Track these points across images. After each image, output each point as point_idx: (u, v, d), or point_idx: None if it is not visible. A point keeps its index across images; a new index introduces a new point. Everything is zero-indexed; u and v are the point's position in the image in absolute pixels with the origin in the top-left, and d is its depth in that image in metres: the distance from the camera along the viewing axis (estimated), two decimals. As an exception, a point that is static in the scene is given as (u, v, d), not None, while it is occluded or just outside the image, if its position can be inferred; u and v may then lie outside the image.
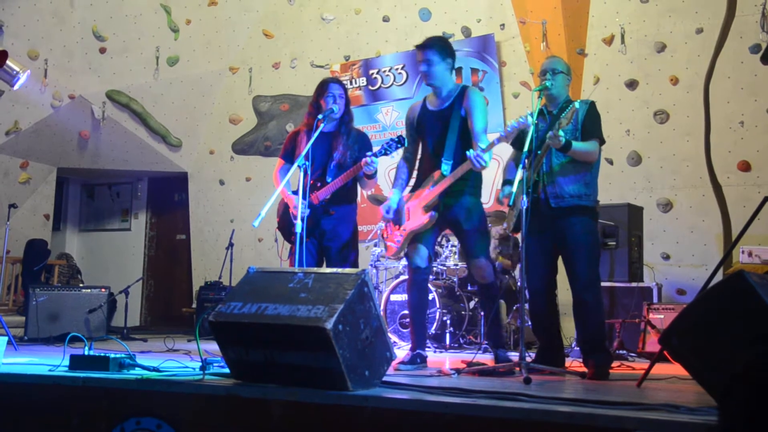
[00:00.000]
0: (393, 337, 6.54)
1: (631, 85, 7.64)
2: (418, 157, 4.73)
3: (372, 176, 4.60)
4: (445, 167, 4.37)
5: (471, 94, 4.53)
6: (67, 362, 3.55)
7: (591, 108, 4.31)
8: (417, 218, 4.48)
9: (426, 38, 4.73)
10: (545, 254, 4.30)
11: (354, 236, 4.81)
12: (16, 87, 6.43)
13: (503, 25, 8.35)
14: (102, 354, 3.52)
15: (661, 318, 5.58)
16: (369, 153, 4.46)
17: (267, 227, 9.17)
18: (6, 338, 3.87)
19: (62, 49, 8.99)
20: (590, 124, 4.25)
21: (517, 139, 4.58)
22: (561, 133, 4.08)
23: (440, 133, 4.47)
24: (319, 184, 4.64)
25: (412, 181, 4.71)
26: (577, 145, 4.13)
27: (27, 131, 9.07)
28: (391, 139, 4.45)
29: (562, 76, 4.38)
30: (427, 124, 4.58)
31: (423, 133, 4.60)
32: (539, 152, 4.26)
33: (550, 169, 4.26)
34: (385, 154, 4.45)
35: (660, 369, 3.80)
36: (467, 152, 4.19)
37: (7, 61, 6.22)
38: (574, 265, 4.18)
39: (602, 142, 4.31)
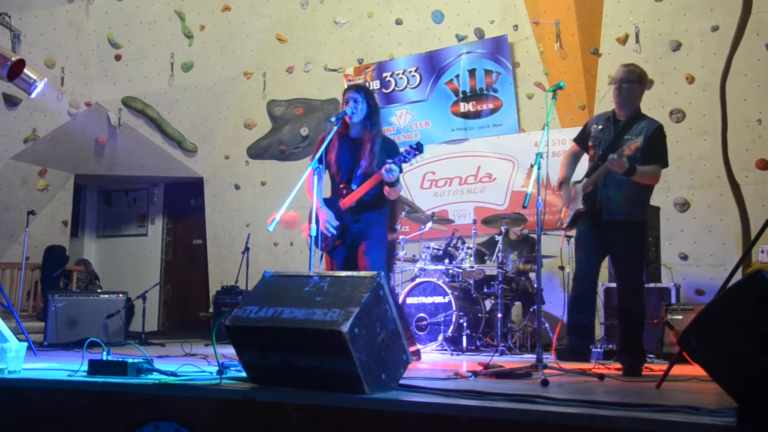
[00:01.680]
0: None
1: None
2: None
3: (393, 184, 4.56)
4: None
5: None
6: (85, 367, 3.57)
7: (657, 131, 4.41)
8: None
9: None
10: (596, 246, 4.52)
11: (383, 236, 4.76)
12: (33, 95, 6.48)
13: (516, 26, 8.33)
14: (120, 359, 3.54)
15: (680, 319, 5.53)
16: (389, 161, 4.44)
17: (282, 231, 9.21)
18: (26, 344, 3.90)
19: (78, 56, 9.07)
20: (656, 149, 4.38)
21: (579, 136, 4.70)
22: (625, 159, 4.20)
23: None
24: (345, 191, 4.65)
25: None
26: (641, 170, 4.28)
27: (45, 139, 9.15)
28: (410, 147, 4.47)
29: (633, 86, 4.48)
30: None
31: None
32: (600, 162, 4.40)
33: (606, 182, 4.41)
34: (405, 161, 4.46)
35: (679, 370, 3.78)
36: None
37: (25, 70, 6.26)
38: (622, 275, 4.46)
39: (665, 166, 4.44)
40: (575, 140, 4.79)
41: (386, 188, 4.62)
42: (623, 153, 4.20)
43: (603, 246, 4.52)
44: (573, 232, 4.90)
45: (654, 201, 7.01)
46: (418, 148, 4.47)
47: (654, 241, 6.43)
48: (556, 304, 7.27)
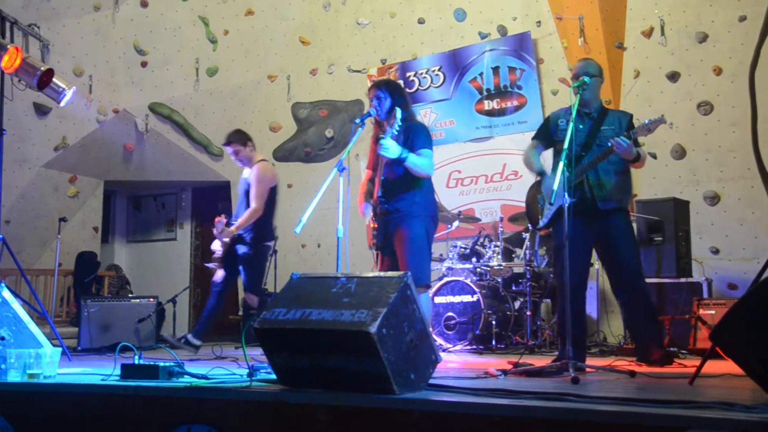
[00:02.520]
0: (438, 340, 6.52)
1: (673, 77, 7.51)
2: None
3: (399, 160, 4.35)
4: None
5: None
6: (118, 371, 3.62)
7: (632, 120, 4.53)
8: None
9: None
10: (584, 253, 4.44)
11: (413, 237, 4.48)
12: (62, 103, 6.59)
13: (539, 22, 8.28)
14: (152, 363, 3.58)
15: (712, 314, 5.47)
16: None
17: (310, 233, 9.24)
18: (60, 349, 3.96)
19: (105, 64, 9.18)
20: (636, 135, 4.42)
21: (542, 133, 4.66)
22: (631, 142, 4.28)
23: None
24: (377, 186, 4.59)
25: None
26: (643, 153, 4.43)
27: (74, 146, 9.27)
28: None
29: (596, 80, 4.55)
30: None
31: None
32: (582, 153, 4.32)
33: (596, 172, 4.40)
34: (393, 133, 4.33)
35: (712, 366, 3.72)
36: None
37: (54, 79, 6.37)
38: (624, 257, 4.43)
39: None
40: (536, 137, 4.80)
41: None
42: (637, 134, 4.34)
43: (593, 241, 4.51)
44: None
45: (683, 195, 6.96)
46: (393, 115, 4.39)
47: (684, 236, 6.35)
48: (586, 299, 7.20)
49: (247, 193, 6.23)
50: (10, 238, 6.36)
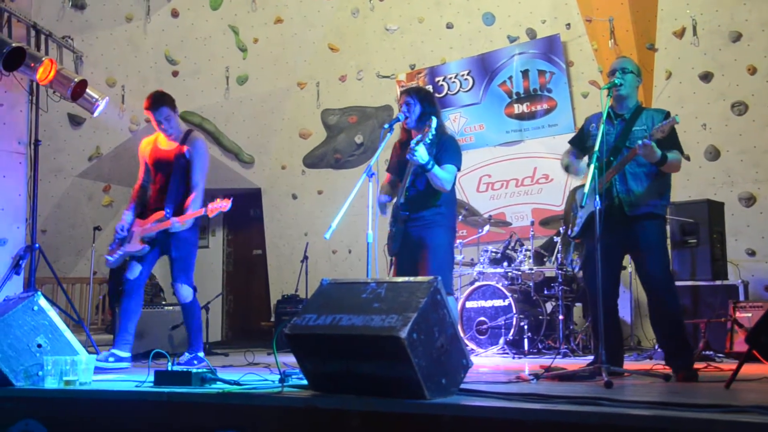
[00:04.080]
0: (470, 345, 6.49)
1: (706, 77, 7.41)
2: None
3: (425, 167, 4.33)
4: (168, 211, 5.21)
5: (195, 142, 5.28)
6: (152, 378, 3.66)
7: (668, 116, 4.18)
8: (134, 245, 5.36)
9: None
10: (614, 257, 4.26)
11: (437, 245, 4.51)
12: (96, 114, 6.71)
13: (569, 24, 8.23)
14: (185, 369, 3.61)
15: (749, 316, 5.39)
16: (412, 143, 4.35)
17: (340, 239, 9.27)
18: (95, 356, 4.02)
19: (137, 74, 9.31)
20: (674, 136, 4.17)
21: (576, 138, 4.56)
22: (654, 144, 3.98)
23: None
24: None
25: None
26: (671, 157, 4.08)
27: (108, 156, 9.41)
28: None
29: (632, 77, 4.29)
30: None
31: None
32: (611, 158, 4.17)
33: (623, 177, 4.21)
34: (422, 140, 4.31)
35: (749, 369, 3.67)
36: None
37: (87, 90, 6.49)
38: (650, 267, 4.17)
39: (682, 152, 4.24)
40: (571, 141, 4.63)
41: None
42: (653, 136, 3.98)
43: (624, 249, 4.33)
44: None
45: (717, 196, 6.86)
46: (428, 124, 4.36)
47: (719, 238, 6.26)
48: (620, 303, 7.13)
49: (182, 170, 5.32)
50: (46, 247, 6.48)
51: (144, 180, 5.61)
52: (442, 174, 4.42)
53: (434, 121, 4.35)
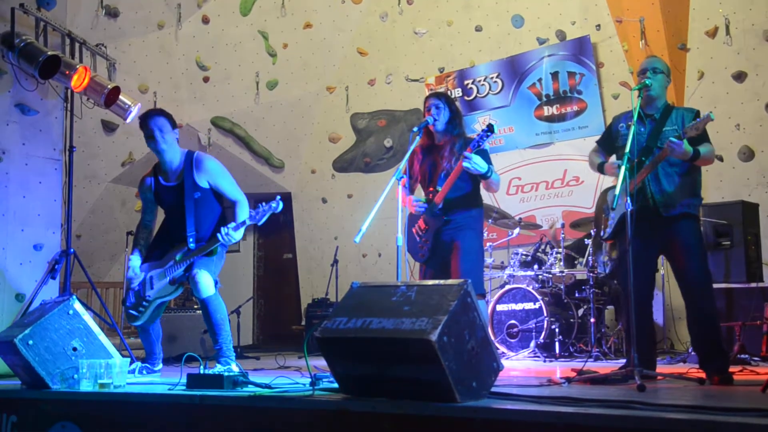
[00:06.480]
0: (501, 348, 6.46)
1: (739, 77, 7.30)
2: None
3: (485, 177, 4.47)
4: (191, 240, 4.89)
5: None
6: (184, 381, 3.70)
7: (698, 115, 4.17)
8: (164, 287, 4.96)
9: None
10: (649, 259, 4.23)
11: (475, 245, 4.60)
12: (128, 120, 6.80)
13: (599, 25, 8.16)
14: (217, 372, 3.65)
15: (786, 319, 5.29)
16: (464, 152, 4.41)
17: (370, 242, 9.29)
18: (129, 359, 4.08)
19: (169, 80, 9.41)
20: (704, 132, 4.11)
21: (603, 139, 4.52)
22: (686, 142, 3.94)
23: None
24: (432, 195, 4.64)
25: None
26: (703, 151, 4.04)
27: (140, 161, 9.52)
28: (483, 131, 4.44)
29: (662, 77, 4.26)
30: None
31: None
32: (643, 159, 4.13)
33: (656, 177, 4.16)
34: (479, 145, 4.39)
35: (786, 373, 3.61)
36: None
37: (120, 96, 6.59)
38: (688, 269, 4.10)
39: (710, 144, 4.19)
40: (599, 142, 4.58)
41: (483, 183, 4.62)
42: (687, 134, 3.95)
43: (659, 251, 4.29)
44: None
45: (751, 197, 6.75)
46: (490, 129, 4.41)
47: (753, 239, 6.16)
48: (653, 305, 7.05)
49: (211, 194, 5.15)
50: (81, 252, 6.57)
51: (146, 220, 5.30)
52: (498, 178, 4.60)
53: (494, 128, 4.44)
